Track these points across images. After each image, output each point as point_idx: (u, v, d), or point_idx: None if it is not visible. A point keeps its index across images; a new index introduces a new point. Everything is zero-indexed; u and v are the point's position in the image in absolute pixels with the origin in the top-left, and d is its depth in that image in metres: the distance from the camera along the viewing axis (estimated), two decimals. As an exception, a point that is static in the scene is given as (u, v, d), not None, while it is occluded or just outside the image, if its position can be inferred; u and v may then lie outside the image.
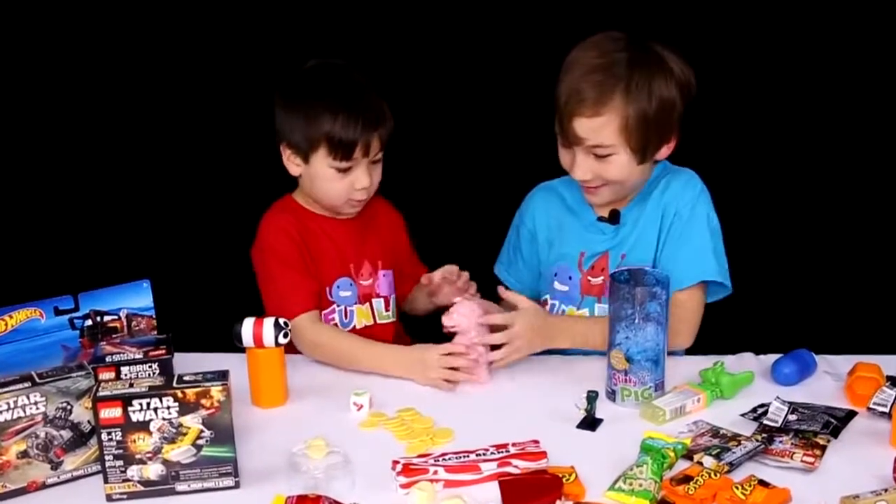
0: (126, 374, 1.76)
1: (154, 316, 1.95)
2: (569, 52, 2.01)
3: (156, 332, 1.94)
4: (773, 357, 1.95)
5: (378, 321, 2.15)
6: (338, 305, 2.12)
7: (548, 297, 2.15)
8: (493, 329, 1.96)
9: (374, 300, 2.16)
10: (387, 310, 2.18)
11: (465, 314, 1.94)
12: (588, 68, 1.95)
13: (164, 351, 1.80)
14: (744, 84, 2.78)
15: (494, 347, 1.95)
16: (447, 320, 1.94)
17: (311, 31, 2.77)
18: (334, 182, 2.05)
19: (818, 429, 1.69)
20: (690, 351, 2.05)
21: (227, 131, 2.80)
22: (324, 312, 2.09)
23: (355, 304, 2.13)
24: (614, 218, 2.09)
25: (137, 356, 1.79)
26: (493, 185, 2.71)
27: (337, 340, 2.03)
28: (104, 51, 2.79)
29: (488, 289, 2.08)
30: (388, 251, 2.20)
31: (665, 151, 2.04)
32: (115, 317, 1.92)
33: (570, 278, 2.12)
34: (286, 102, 2.06)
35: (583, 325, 2.03)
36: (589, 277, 2.11)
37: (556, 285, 2.14)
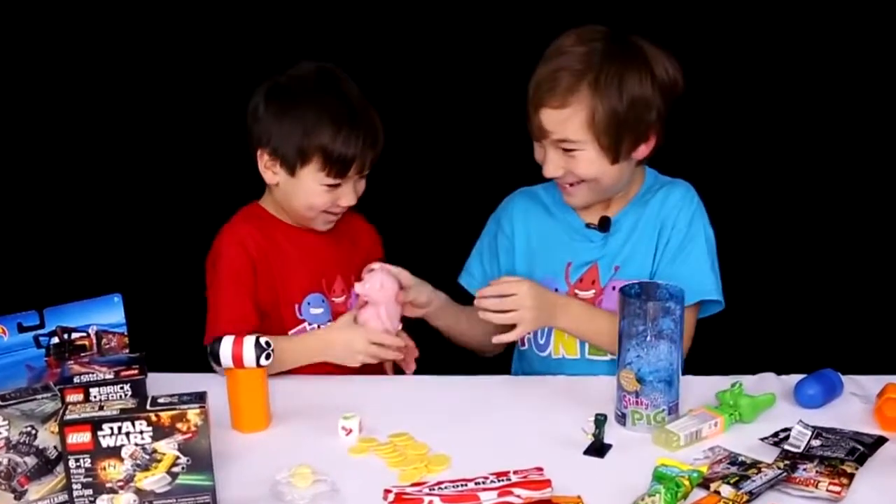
0: (95, 396, 1.76)
1: (126, 333, 1.95)
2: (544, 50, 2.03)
3: (128, 351, 1.94)
4: (796, 377, 1.95)
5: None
6: (308, 324, 2.13)
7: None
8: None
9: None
10: None
11: (378, 285, 1.98)
12: (561, 57, 1.99)
13: (136, 371, 1.80)
14: (741, 83, 2.79)
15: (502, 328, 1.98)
16: (359, 287, 2.00)
17: (277, 32, 2.78)
18: (318, 197, 2.07)
19: (843, 455, 1.70)
20: (706, 371, 2.06)
21: (206, 134, 2.81)
22: (292, 332, 2.11)
23: (328, 321, 2.14)
24: (604, 225, 2.10)
25: (108, 377, 1.78)
26: (467, 192, 2.72)
27: None
28: (65, 63, 2.81)
29: (460, 300, 2.09)
30: (360, 265, 2.17)
31: (643, 150, 2.06)
32: (84, 334, 1.92)
33: (555, 290, 2.13)
34: (278, 107, 2.06)
35: (578, 306, 2.06)
36: (577, 290, 2.12)
37: None
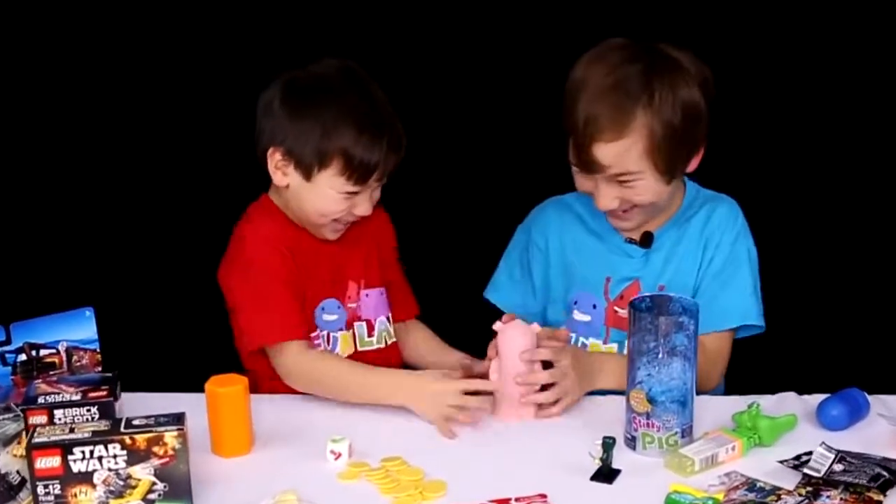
0: (60, 419, 1.74)
1: (98, 350, 1.95)
2: (568, 54, 2.03)
3: (100, 369, 1.94)
4: (818, 397, 1.95)
5: (359, 348, 2.14)
6: (321, 330, 2.11)
7: (564, 328, 2.16)
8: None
9: (356, 324, 2.16)
10: (370, 335, 2.16)
11: (513, 340, 1.94)
12: (600, 88, 1.97)
13: (105, 392, 1.78)
14: (765, 88, 2.80)
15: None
16: (491, 350, 1.96)
17: (276, 29, 2.79)
18: (333, 204, 2.03)
19: (866, 481, 1.69)
20: (723, 390, 2.06)
21: (186, 138, 2.81)
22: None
23: (340, 330, 2.13)
24: (647, 241, 2.10)
25: (74, 397, 1.78)
26: (491, 201, 2.73)
27: (327, 369, 2.02)
28: (39, 66, 2.81)
29: (486, 317, 2.08)
30: (371, 266, 2.18)
31: (695, 163, 2.07)
32: (53, 350, 1.92)
33: (594, 307, 2.13)
34: (297, 104, 2.03)
35: (616, 362, 2.02)
36: (616, 308, 2.12)
37: (577, 315, 2.15)
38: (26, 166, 2.86)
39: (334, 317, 2.12)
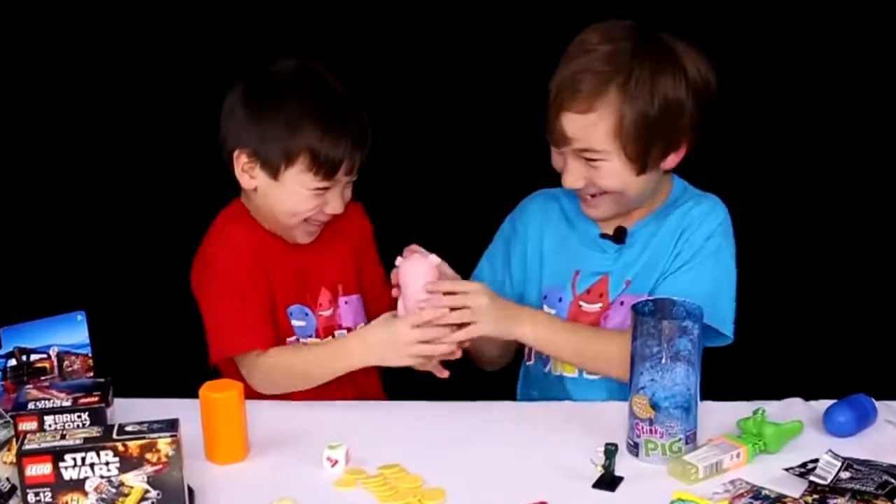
0: (50, 425, 1.75)
1: (90, 354, 1.95)
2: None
3: (92, 374, 1.94)
4: (825, 403, 1.95)
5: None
6: (296, 336, 2.13)
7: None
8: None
9: (336, 332, 2.16)
10: None
11: (414, 272, 1.97)
12: (586, 56, 1.98)
13: (96, 398, 1.79)
14: (775, 89, 2.80)
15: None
16: (394, 285, 1.99)
17: (256, 31, 2.79)
18: (303, 202, 2.05)
19: (873, 489, 1.69)
20: (727, 396, 2.06)
21: (175, 140, 2.82)
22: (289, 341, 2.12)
23: (310, 336, 2.14)
24: (619, 236, 2.10)
25: (65, 403, 1.78)
26: (478, 193, 2.72)
27: (285, 359, 2.05)
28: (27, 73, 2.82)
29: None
30: (348, 272, 2.20)
31: (672, 160, 2.05)
32: (44, 355, 1.92)
33: (559, 300, 2.14)
34: (258, 105, 2.05)
35: (540, 314, 2.07)
36: (582, 302, 2.12)
37: (546, 308, 2.15)
38: (17, 170, 2.86)
39: (302, 323, 2.14)
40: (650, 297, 1.90)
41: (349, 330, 2.17)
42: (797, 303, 2.64)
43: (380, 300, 2.21)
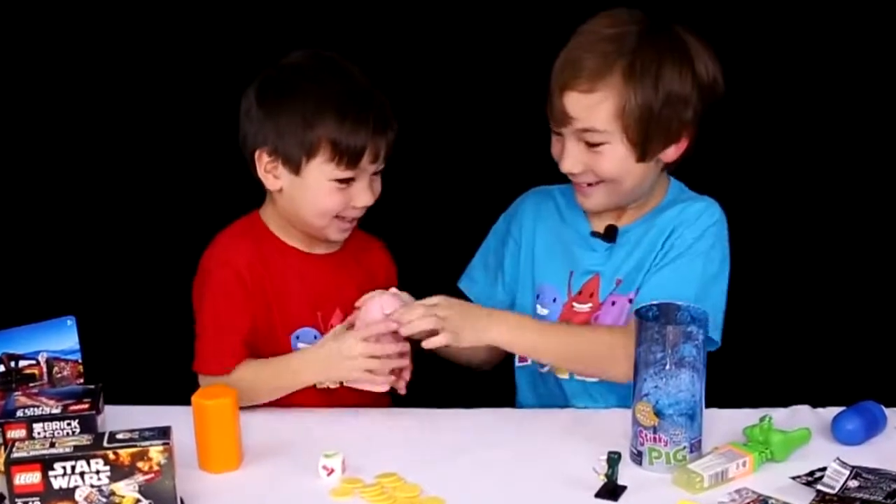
0: (40, 433, 1.74)
1: (80, 361, 1.95)
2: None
3: (82, 381, 1.94)
4: (833, 410, 1.95)
5: (345, 383, 2.09)
6: None
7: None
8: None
9: None
10: None
11: (373, 304, 1.99)
12: (593, 37, 2.00)
13: (87, 405, 1.79)
14: (784, 91, 2.81)
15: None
16: (353, 317, 2.02)
17: (268, 28, 2.78)
18: (329, 197, 2.03)
19: (881, 498, 1.69)
20: (733, 403, 2.06)
21: (175, 144, 2.82)
22: None
23: None
24: (610, 235, 2.10)
25: (55, 410, 1.78)
26: (473, 190, 2.73)
27: (248, 374, 2.03)
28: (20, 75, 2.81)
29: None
30: None
31: (672, 153, 2.06)
32: (33, 361, 1.92)
33: (553, 300, 2.14)
34: (273, 101, 2.03)
35: (515, 316, 2.07)
36: (574, 303, 2.13)
37: (539, 309, 2.16)
38: (6, 173, 2.86)
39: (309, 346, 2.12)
40: (655, 302, 1.89)
41: None
42: (804, 308, 2.64)
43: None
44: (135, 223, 2.88)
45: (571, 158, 2.03)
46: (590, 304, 2.11)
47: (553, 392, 2.16)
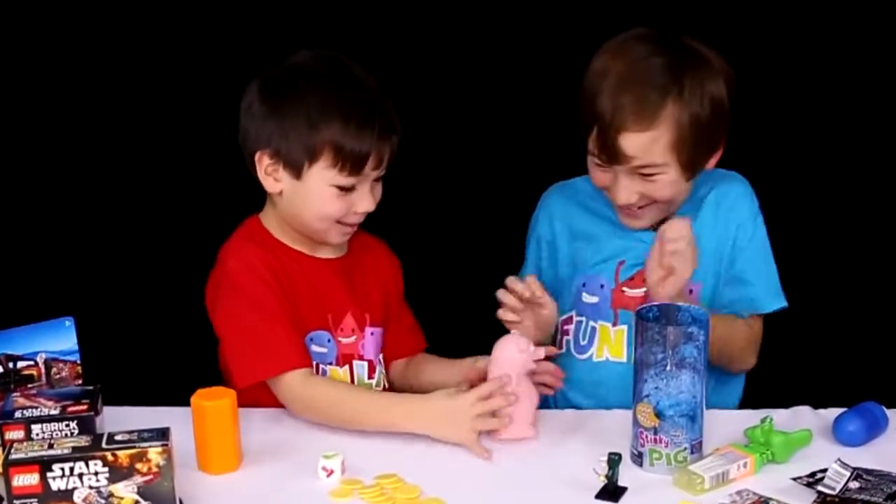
0: (38, 434, 1.74)
1: (79, 361, 1.95)
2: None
3: (81, 382, 1.94)
4: (835, 412, 1.95)
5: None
6: (314, 362, 2.06)
7: (573, 313, 2.18)
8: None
9: (355, 362, 2.12)
10: (370, 377, 2.13)
11: (510, 356, 1.93)
12: (627, 78, 2.00)
13: (85, 406, 1.78)
14: (771, 88, 2.81)
15: None
16: (492, 368, 1.93)
17: (272, 26, 2.79)
18: (330, 202, 2.00)
19: (881, 500, 1.70)
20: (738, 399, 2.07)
21: (175, 143, 2.82)
22: None
23: (330, 364, 2.09)
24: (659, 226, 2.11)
25: (53, 411, 1.78)
26: (487, 196, 2.72)
27: (334, 394, 1.98)
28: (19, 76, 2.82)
29: (488, 313, 2.09)
30: (377, 304, 2.15)
31: (713, 162, 2.10)
32: (32, 362, 1.92)
33: (601, 287, 2.16)
34: (276, 101, 2.00)
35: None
36: (625, 288, 2.14)
37: (585, 297, 2.17)
38: (6, 173, 2.86)
39: (323, 350, 2.08)
40: (656, 303, 1.89)
41: (370, 363, 2.13)
42: (806, 309, 2.63)
43: (406, 334, 2.22)
44: (134, 224, 2.88)
45: (627, 191, 2.06)
46: (644, 288, 2.09)
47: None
